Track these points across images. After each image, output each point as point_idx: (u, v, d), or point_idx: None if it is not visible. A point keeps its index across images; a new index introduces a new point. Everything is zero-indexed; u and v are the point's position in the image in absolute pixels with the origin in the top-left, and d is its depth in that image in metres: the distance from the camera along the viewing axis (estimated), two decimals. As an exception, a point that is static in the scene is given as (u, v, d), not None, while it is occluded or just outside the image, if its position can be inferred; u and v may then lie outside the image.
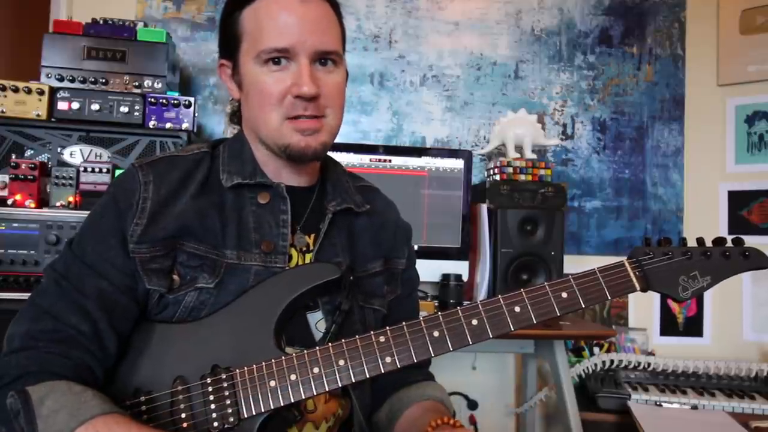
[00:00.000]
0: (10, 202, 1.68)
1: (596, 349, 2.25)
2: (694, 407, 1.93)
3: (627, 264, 0.90)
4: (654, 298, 2.50)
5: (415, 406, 1.02)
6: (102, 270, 0.87)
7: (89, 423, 0.73)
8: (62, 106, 1.82)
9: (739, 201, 2.51)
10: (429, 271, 2.00)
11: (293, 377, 0.84)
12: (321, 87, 0.92)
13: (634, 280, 0.89)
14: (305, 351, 0.86)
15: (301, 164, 1.00)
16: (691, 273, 0.89)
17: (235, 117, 1.08)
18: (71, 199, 1.72)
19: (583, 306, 0.87)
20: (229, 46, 0.97)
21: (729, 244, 0.91)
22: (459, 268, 2.04)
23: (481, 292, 2.04)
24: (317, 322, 0.98)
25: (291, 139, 0.93)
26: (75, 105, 1.82)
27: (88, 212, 0.94)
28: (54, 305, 0.84)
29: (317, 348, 0.86)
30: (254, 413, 0.83)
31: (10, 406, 0.75)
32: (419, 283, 1.19)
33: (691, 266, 0.90)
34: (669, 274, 0.89)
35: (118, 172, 1.76)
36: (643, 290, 0.89)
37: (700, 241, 0.92)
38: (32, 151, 1.82)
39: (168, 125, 1.87)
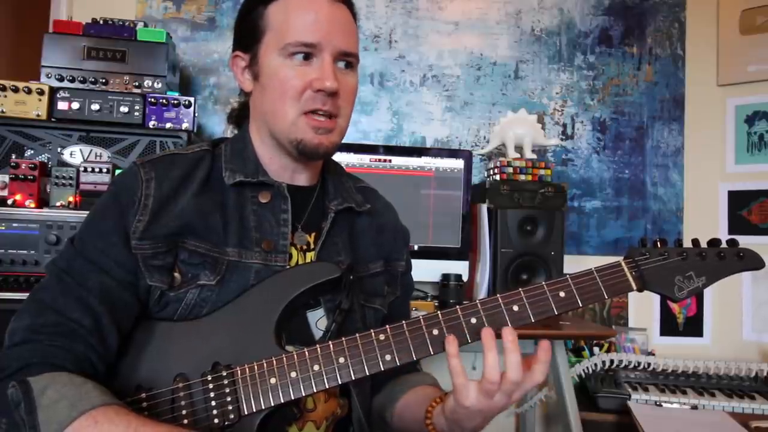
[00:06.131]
0: (10, 202, 1.68)
1: (596, 349, 2.25)
2: (694, 407, 1.93)
3: (624, 264, 0.90)
4: (654, 298, 2.50)
5: (418, 388, 1.04)
6: (104, 265, 0.88)
7: (89, 413, 0.73)
8: (62, 106, 1.82)
9: (738, 201, 2.51)
10: (429, 271, 2.01)
11: (293, 374, 0.85)
12: (340, 85, 0.94)
13: (631, 280, 0.89)
14: (305, 349, 0.86)
15: (309, 161, 1.01)
16: (686, 273, 0.90)
17: (233, 117, 1.09)
18: (71, 199, 1.72)
19: (581, 305, 0.88)
20: (248, 38, 0.99)
21: (724, 245, 0.92)
22: (459, 268, 2.05)
23: (481, 292, 2.04)
24: (318, 320, 0.98)
25: (305, 135, 0.95)
26: (75, 105, 1.82)
27: (89, 210, 0.95)
28: (56, 300, 0.85)
29: (317, 345, 0.86)
30: (254, 410, 0.84)
31: (11, 396, 0.75)
32: (413, 290, 1.22)
33: (686, 267, 0.90)
34: (665, 274, 0.90)
35: (118, 172, 1.76)
36: (640, 290, 0.90)
37: (696, 242, 0.92)
38: (32, 151, 1.82)
39: (168, 125, 1.87)
